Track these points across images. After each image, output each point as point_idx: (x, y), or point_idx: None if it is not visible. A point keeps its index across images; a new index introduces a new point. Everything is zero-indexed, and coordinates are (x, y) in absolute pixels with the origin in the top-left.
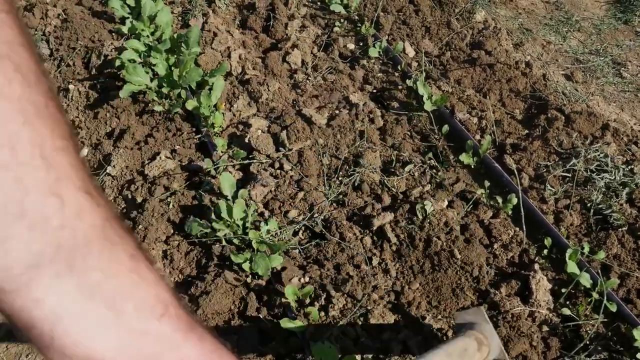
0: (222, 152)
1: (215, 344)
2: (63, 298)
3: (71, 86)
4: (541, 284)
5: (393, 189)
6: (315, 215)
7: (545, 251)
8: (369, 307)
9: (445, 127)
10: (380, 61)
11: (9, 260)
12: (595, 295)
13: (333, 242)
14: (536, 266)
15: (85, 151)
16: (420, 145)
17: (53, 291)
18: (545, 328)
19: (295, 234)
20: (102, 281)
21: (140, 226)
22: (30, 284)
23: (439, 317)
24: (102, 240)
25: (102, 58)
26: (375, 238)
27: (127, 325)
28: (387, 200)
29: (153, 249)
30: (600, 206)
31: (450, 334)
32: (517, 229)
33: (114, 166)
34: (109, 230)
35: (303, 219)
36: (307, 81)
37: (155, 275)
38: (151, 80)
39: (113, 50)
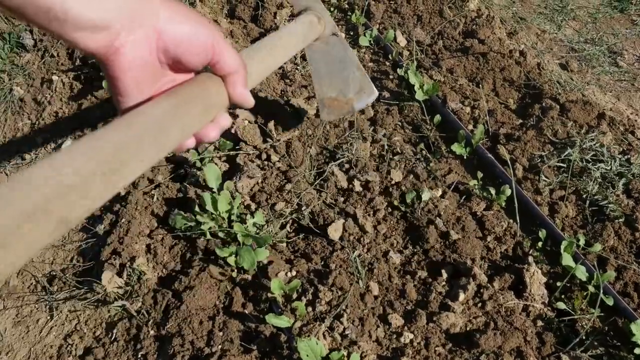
0: (207, 143)
1: (190, 9)
2: None
3: (55, 77)
4: (535, 278)
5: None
6: (303, 207)
7: (540, 244)
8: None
9: (437, 117)
10: (371, 50)
11: None
12: (591, 288)
13: (320, 235)
14: (530, 259)
15: (68, 142)
16: (412, 136)
17: None
18: (539, 323)
19: (282, 227)
20: None
21: (124, 219)
22: None
23: None
24: None
25: None
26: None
27: None
28: (377, 191)
29: (136, 242)
30: (596, 197)
31: None
32: (511, 220)
33: None
34: None
35: (291, 212)
36: (296, 71)
37: None
38: None
39: None
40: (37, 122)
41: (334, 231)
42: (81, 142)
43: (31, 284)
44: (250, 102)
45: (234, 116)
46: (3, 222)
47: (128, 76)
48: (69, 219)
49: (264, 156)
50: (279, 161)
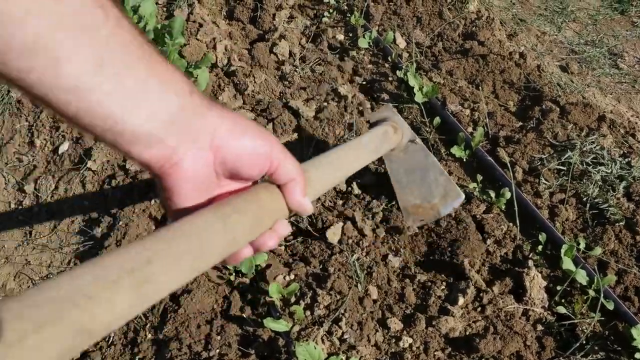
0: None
1: (236, 113)
2: (124, 93)
3: None
4: (535, 281)
5: None
6: None
7: (540, 247)
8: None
9: (437, 119)
10: (370, 52)
11: (78, 62)
12: (591, 292)
13: (319, 239)
14: (530, 263)
15: (66, 145)
16: None
17: (116, 88)
18: (539, 327)
19: None
20: (148, 78)
21: (121, 222)
22: (96, 85)
23: None
24: (138, 45)
25: None
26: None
27: (169, 102)
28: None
29: None
30: (596, 200)
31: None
32: (511, 224)
33: (94, 160)
34: (139, 38)
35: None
36: (295, 73)
37: (180, 70)
38: None
39: None
40: (34, 124)
41: (333, 234)
42: (114, 251)
43: (28, 287)
44: (309, 209)
45: None
46: (9, 337)
47: (184, 188)
48: (91, 330)
49: None
50: None
